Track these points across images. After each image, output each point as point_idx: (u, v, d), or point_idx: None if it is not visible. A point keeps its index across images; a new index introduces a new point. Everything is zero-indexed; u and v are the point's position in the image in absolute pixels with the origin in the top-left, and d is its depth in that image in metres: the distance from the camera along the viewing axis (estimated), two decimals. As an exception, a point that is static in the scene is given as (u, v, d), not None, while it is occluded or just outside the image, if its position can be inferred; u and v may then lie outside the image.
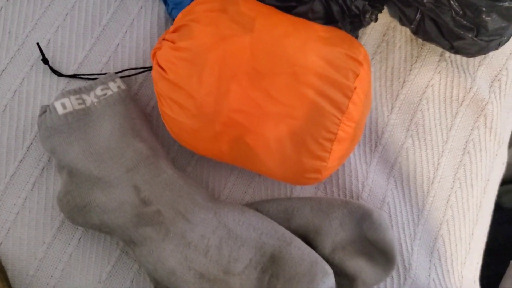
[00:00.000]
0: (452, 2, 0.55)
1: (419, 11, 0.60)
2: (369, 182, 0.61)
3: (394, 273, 0.58)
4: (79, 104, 0.57)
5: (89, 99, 0.57)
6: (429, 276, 0.59)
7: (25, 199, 0.58)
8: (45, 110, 0.57)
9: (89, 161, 0.54)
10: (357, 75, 0.49)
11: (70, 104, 0.56)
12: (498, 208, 1.00)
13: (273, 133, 0.49)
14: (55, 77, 0.62)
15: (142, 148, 0.55)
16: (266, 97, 0.48)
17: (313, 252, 0.54)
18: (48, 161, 0.60)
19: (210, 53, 0.49)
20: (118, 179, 0.54)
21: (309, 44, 0.49)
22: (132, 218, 0.53)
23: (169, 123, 0.54)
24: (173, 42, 0.51)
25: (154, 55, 0.53)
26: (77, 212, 0.55)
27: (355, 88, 0.49)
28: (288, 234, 0.55)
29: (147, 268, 0.53)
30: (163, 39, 0.53)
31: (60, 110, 0.56)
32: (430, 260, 0.60)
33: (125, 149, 0.55)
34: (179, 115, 0.51)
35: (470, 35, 0.56)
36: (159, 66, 0.51)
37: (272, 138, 0.49)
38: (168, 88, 0.51)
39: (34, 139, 0.60)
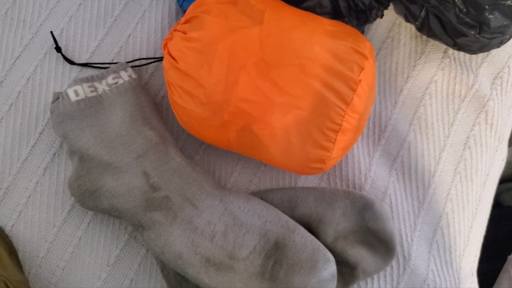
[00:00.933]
0: (456, 0, 0.57)
1: (423, 8, 0.61)
2: (371, 174, 0.62)
3: (393, 263, 0.60)
4: (91, 91, 0.58)
5: (101, 87, 0.59)
6: (428, 266, 0.61)
7: (37, 183, 0.60)
8: (58, 96, 0.58)
9: (100, 147, 0.56)
10: (362, 68, 0.51)
11: (82, 91, 0.58)
12: (498, 205, 1.02)
13: (280, 123, 0.50)
14: (67, 65, 0.64)
15: (151, 135, 0.57)
16: (274, 87, 0.50)
17: (316, 240, 0.55)
18: (60, 146, 0.61)
19: (220, 44, 0.50)
20: (128, 165, 0.56)
21: (316, 37, 0.50)
22: (141, 202, 0.55)
23: (178, 111, 0.55)
24: (184, 32, 0.52)
25: (165, 45, 0.55)
26: (88, 196, 0.56)
27: (360, 81, 0.50)
28: (292, 222, 0.56)
29: (154, 251, 0.55)
30: (175, 30, 0.54)
31: (72, 97, 0.57)
32: (429, 251, 0.61)
33: (135, 136, 0.57)
34: (189, 103, 0.53)
35: (472, 32, 0.58)
36: (170, 56, 0.53)
37: (278, 127, 0.51)
38: (178, 77, 0.52)
39: (46, 125, 0.62)
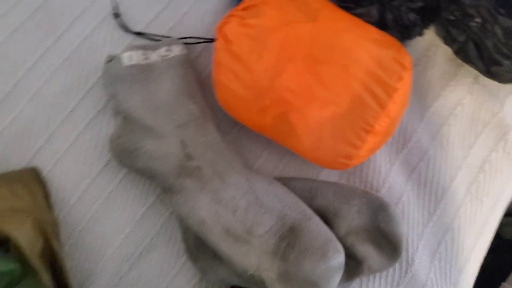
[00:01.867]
0: (496, 30, 0.60)
1: (464, 33, 0.64)
2: (389, 179, 0.66)
3: (397, 265, 0.63)
4: (144, 59, 0.62)
5: (153, 56, 0.63)
6: (428, 274, 0.64)
7: (78, 135, 0.64)
8: (112, 59, 0.62)
9: (145, 111, 0.60)
10: (401, 79, 0.54)
11: (136, 57, 0.62)
12: (498, 237, 1.04)
13: (316, 115, 0.54)
14: (122, 32, 0.68)
15: (194, 109, 0.61)
16: (317, 82, 0.53)
17: (329, 231, 0.59)
18: (105, 105, 0.65)
19: (274, 34, 0.54)
20: (168, 132, 0.60)
21: (364, 42, 0.54)
22: (175, 168, 0.59)
23: (222, 91, 0.59)
24: (242, 18, 0.56)
25: (220, 28, 0.59)
26: (126, 155, 0.60)
27: (397, 89, 0.54)
28: (309, 211, 0.60)
29: (179, 215, 0.59)
30: (232, 15, 0.58)
31: (126, 61, 0.61)
32: (431, 261, 0.65)
33: (179, 107, 0.61)
34: (234, 84, 0.56)
35: (507, 63, 0.61)
36: (225, 38, 0.57)
37: (314, 119, 0.54)
38: (229, 59, 0.56)
39: (95, 83, 0.66)
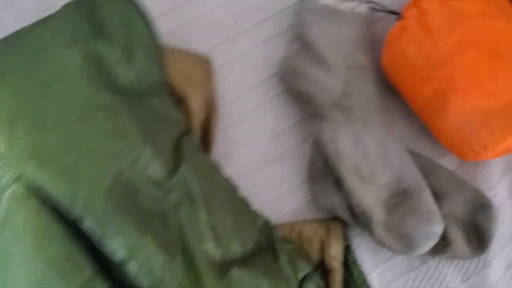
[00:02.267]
0: None
1: None
2: (495, 189, 0.72)
3: (475, 261, 0.69)
4: (336, 5, 0.71)
5: (344, 6, 0.71)
6: (498, 281, 0.70)
7: (253, 46, 0.74)
8: (309, -5, 0.72)
9: (324, 45, 0.69)
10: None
11: (331, 0, 0.70)
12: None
13: (474, 101, 0.61)
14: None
15: (363, 59, 0.69)
16: (489, 73, 0.61)
17: (436, 205, 0.66)
18: (284, 30, 0.74)
19: (469, 20, 0.62)
20: (337, 69, 0.68)
21: (541, 57, 0.61)
22: (331, 100, 0.67)
23: (394, 52, 0.67)
24: (444, -2, 0.64)
25: (416, 1, 0.67)
26: (294, 74, 0.69)
27: (550, 108, 0.61)
28: (424, 183, 0.67)
29: (320, 139, 0.67)
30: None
31: (322, 0, 0.70)
32: (505, 272, 0.71)
33: (352, 53, 0.69)
34: (412, 50, 0.64)
35: None
36: (421, 9, 0.65)
37: (470, 104, 0.62)
38: (418, 27, 0.64)
39: (284, 10, 0.75)
